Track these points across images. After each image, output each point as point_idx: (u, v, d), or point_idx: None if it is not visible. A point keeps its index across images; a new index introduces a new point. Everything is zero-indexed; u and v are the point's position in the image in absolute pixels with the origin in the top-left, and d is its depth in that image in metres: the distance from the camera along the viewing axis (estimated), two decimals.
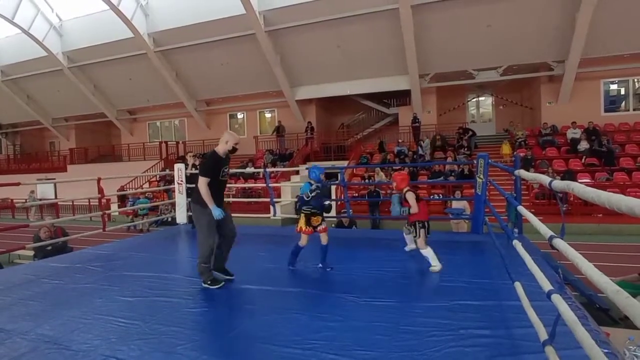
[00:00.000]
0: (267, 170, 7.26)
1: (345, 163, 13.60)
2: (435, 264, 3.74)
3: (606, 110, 13.86)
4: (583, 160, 11.80)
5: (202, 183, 3.38)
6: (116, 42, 15.55)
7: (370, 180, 12.08)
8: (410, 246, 4.39)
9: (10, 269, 4.82)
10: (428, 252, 3.80)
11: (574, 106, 13.39)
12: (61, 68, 17.11)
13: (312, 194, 3.76)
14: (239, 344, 2.37)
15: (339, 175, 8.24)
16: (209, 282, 3.43)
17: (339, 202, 10.85)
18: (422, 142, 14.01)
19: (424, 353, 2.16)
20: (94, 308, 3.00)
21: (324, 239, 3.90)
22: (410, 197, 3.88)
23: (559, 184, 1.67)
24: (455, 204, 9.02)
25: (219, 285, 3.42)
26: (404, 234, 4.41)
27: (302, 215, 3.85)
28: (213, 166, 3.47)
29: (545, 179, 1.90)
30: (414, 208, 3.85)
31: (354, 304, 2.92)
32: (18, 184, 4.99)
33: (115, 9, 13.53)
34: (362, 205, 11.46)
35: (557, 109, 13.79)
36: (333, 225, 9.46)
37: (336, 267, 3.93)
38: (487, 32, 12.35)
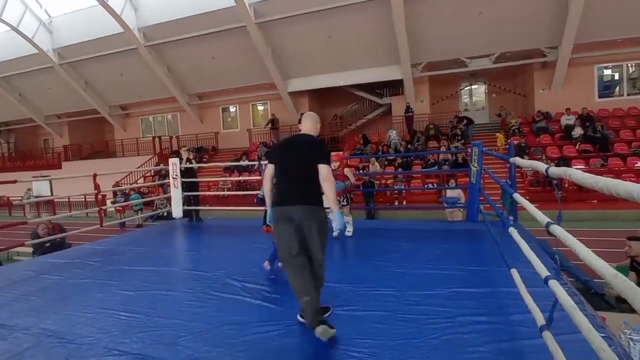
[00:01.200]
0: (262, 163, 7.23)
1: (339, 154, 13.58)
2: (350, 230, 4.64)
3: (600, 96, 13.90)
4: (577, 146, 11.87)
5: (331, 174, 2.44)
6: (106, 37, 15.33)
7: (365, 171, 12.10)
8: (337, 230, 4.24)
9: (10, 265, 4.82)
10: (350, 219, 4.56)
11: (568, 92, 13.42)
12: (52, 65, 16.86)
13: None
14: (239, 335, 2.39)
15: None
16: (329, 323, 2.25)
17: None
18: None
19: (423, 340, 2.19)
20: (94, 302, 3.02)
21: None
22: (349, 172, 4.63)
23: (556, 170, 1.69)
24: (450, 193, 9.07)
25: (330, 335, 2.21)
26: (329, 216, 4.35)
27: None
28: None
29: (541, 166, 1.92)
30: (354, 180, 4.65)
31: (352, 293, 2.95)
32: (15, 182, 4.96)
33: (104, 3, 13.30)
34: (357, 196, 11.48)
35: (550, 95, 13.82)
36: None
37: (333, 257, 3.95)
38: (479, 19, 12.29)
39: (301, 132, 2.64)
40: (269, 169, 2.59)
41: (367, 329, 2.35)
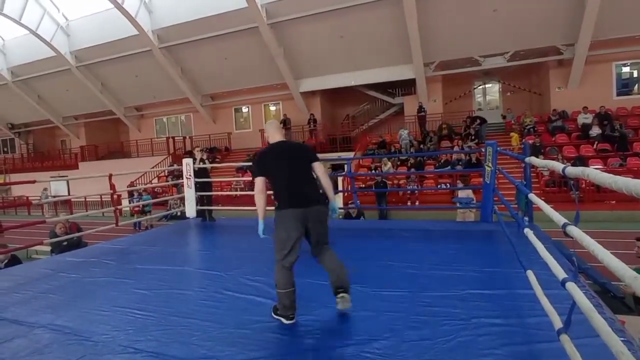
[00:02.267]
0: None
1: (351, 154, 13.57)
2: None
3: (618, 94, 13.56)
4: (595, 146, 11.60)
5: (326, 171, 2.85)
6: (122, 40, 15.66)
7: (377, 171, 12.05)
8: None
9: (29, 264, 4.94)
10: None
11: (585, 91, 13.14)
12: (69, 67, 17.30)
13: None
14: (252, 334, 2.40)
15: (345, 166, 8.22)
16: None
17: (346, 193, 10.86)
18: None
19: (436, 342, 2.17)
20: (110, 300, 3.07)
21: None
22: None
23: (573, 170, 1.65)
24: (461, 194, 8.96)
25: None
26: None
27: None
28: None
29: (558, 165, 1.88)
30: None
31: (363, 294, 2.93)
32: (34, 182, 5.10)
33: (119, 6, 13.57)
34: (369, 196, 11.46)
35: (567, 94, 13.54)
36: (340, 216, 9.50)
37: (344, 258, 3.94)
38: (493, 17, 12.12)
39: (282, 140, 2.74)
40: (261, 182, 2.64)
41: (380, 330, 2.34)
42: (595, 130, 11.84)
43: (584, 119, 12.51)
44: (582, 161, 10.71)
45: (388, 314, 2.55)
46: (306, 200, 2.56)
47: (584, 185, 9.80)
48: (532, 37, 12.55)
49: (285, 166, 2.59)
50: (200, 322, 2.59)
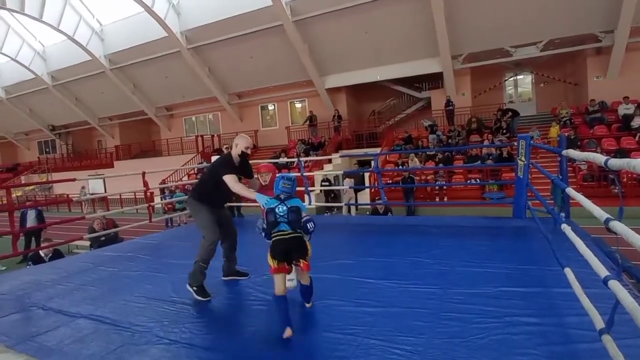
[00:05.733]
0: (301, 159, 7.31)
1: (377, 150, 13.44)
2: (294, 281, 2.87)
3: None
4: (637, 137, 10.94)
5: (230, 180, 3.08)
6: (152, 42, 16.18)
7: (404, 167, 11.88)
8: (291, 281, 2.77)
9: (70, 257, 5.23)
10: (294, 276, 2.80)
11: (626, 80, 12.36)
12: (104, 70, 18.07)
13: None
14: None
15: (372, 162, 8.15)
16: (195, 288, 2.99)
17: (373, 189, 10.78)
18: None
19: (468, 340, 2.12)
20: (146, 293, 3.20)
21: (303, 278, 2.64)
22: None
23: (616, 162, 1.56)
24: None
25: (204, 298, 2.95)
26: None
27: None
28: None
29: (600, 157, 1.78)
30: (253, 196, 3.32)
31: (392, 290, 2.91)
32: (74, 180, 5.38)
33: (149, 9, 14.02)
34: (396, 192, 11.31)
35: (605, 83, 12.80)
36: (368, 212, 9.44)
37: (372, 254, 3.92)
38: (525, 4, 11.60)
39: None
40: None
41: (410, 326, 2.32)
42: (638, 121, 11.16)
43: (625, 109, 11.80)
44: (623, 154, 10.12)
45: (417, 310, 2.52)
46: None
47: (625, 180, 9.27)
48: (568, 24, 11.91)
49: None
50: (231, 316, 2.66)
